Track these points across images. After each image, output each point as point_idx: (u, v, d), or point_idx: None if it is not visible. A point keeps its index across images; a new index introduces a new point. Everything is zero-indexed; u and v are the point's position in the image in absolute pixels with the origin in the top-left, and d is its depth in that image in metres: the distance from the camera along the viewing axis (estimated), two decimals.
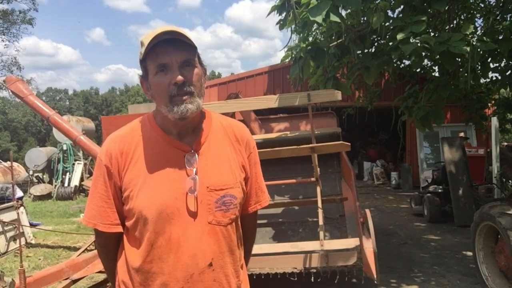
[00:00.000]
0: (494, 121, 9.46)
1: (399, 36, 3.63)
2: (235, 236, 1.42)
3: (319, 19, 3.51)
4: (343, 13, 4.39)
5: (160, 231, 1.31)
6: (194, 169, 1.35)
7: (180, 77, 1.28)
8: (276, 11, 4.52)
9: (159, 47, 1.29)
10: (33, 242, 7.02)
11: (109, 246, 1.46)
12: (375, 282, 3.44)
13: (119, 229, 1.39)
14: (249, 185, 1.50)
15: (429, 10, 4.47)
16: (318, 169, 4.04)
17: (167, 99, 1.31)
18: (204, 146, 1.40)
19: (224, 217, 1.36)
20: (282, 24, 4.72)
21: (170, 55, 1.30)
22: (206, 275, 1.33)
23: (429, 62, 7.21)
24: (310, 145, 3.68)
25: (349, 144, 3.63)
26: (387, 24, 4.47)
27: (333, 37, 4.91)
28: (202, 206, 1.34)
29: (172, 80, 1.29)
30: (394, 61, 5.71)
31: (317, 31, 6.10)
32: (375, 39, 5.34)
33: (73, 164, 14.41)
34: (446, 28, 5.28)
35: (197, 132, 1.41)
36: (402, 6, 4.72)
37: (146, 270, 1.33)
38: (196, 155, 1.37)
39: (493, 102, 8.32)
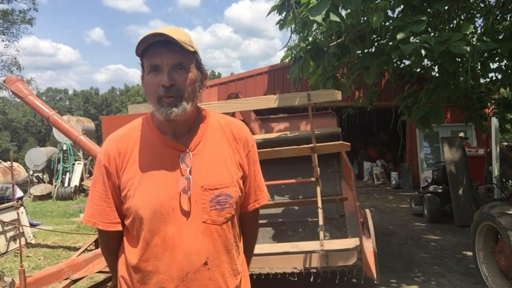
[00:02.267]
0: (494, 121, 9.46)
1: (399, 36, 3.63)
2: (231, 235, 1.42)
3: (319, 18, 3.51)
4: (343, 12, 4.39)
5: (155, 230, 1.33)
6: (188, 169, 1.36)
7: (166, 81, 1.30)
8: (276, 11, 4.52)
9: (154, 47, 1.31)
10: (33, 242, 7.02)
11: (111, 244, 1.48)
12: (375, 282, 3.44)
13: (119, 227, 1.42)
14: (248, 184, 1.51)
15: (429, 10, 4.47)
16: (318, 169, 4.04)
17: (155, 99, 1.34)
18: (200, 146, 1.41)
19: (219, 216, 1.37)
20: (282, 24, 4.72)
21: (162, 56, 1.31)
22: (202, 274, 1.34)
23: (429, 62, 7.20)
24: (310, 145, 3.68)
25: (349, 144, 3.63)
26: (387, 24, 4.47)
27: (333, 37, 4.90)
28: (197, 206, 1.35)
29: (161, 82, 1.31)
30: (394, 61, 5.71)
31: (317, 30, 6.10)
32: (375, 39, 5.34)
33: (73, 164, 14.41)
34: (446, 28, 5.28)
35: (193, 131, 1.43)
36: (402, 6, 4.72)
37: (143, 269, 1.35)
38: (191, 155, 1.38)
39: (493, 102, 8.31)
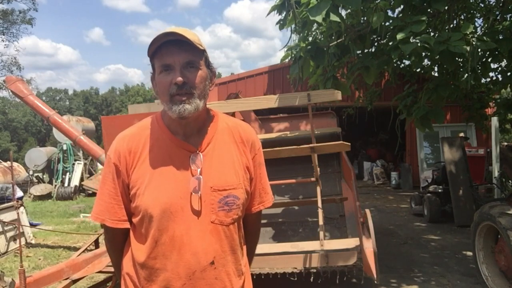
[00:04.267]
0: (494, 121, 9.45)
1: (399, 36, 3.63)
2: (237, 235, 1.44)
3: (319, 18, 3.51)
4: (343, 12, 4.39)
5: (164, 228, 1.35)
6: (199, 169, 1.38)
7: (179, 78, 1.32)
8: (276, 11, 4.52)
9: (165, 47, 1.33)
10: (33, 242, 7.02)
11: (116, 242, 1.50)
12: (375, 282, 3.44)
13: (126, 225, 1.44)
14: (253, 186, 1.52)
15: (429, 9, 4.47)
16: (318, 169, 4.04)
17: (167, 97, 1.35)
18: (209, 147, 1.43)
19: (227, 217, 1.39)
20: (282, 24, 4.71)
21: (173, 56, 1.33)
22: (208, 273, 1.36)
23: (429, 62, 7.20)
24: (310, 145, 3.68)
25: (349, 144, 3.63)
26: (387, 24, 4.47)
27: (333, 37, 4.90)
28: (206, 206, 1.37)
29: (173, 80, 1.32)
30: (394, 61, 5.70)
31: (317, 30, 6.10)
32: (375, 39, 5.34)
33: (73, 164, 14.43)
34: (446, 28, 5.28)
35: (202, 132, 1.44)
36: (402, 6, 4.72)
37: (150, 266, 1.37)
38: (201, 156, 1.40)
39: (493, 102, 8.32)
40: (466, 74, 4.85)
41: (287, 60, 5.38)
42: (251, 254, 1.64)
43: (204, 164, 1.39)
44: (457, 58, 4.17)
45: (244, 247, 1.53)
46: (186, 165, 1.38)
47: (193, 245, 1.35)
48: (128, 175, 1.40)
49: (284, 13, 4.51)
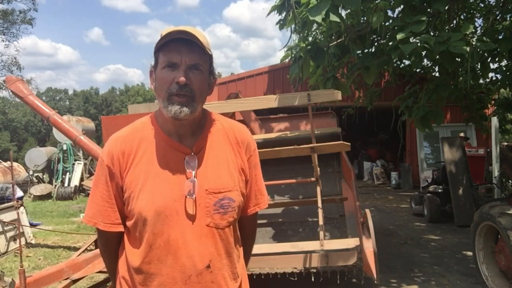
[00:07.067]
0: (494, 121, 9.46)
1: (399, 36, 3.63)
2: (232, 238, 1.42)
3: (318, 18, 3.51)
4: (343, 12, 4.39)
5: (159, 232, 1.32)
6: (194, 172, 1.35)
7: (182, 78, 1.29)
8: (275, 11, 4.52)
9: (174, 43, 1.31)
10: (33, 242, 7.02)
11: (110, 245, 1.47)
12: (375, 282, 3.45)
13: (120, 228, 1.40)
14: (248, 188, 1.50)
15: (429, 10, 4.47)
16: (318, 169, 4.04)
17: (165, 95, 1.32)
18: (204, 149, 1.41)
19: (222, 220, 1.37)
20: (282, 24, 4.72)
21: (181, 54, 1.31)
22: (204, 277, 1.34)
23: (429, 62, 7.21)
24: (310, 145, 3.68)
25: (349, 144, 3.63)
26: (387, 24, 4.47)
27: (333, 37, 4.91)
28: (201, 209, 1.34)
29: (176, 79, 1.30)
30: (394, 61, 5.71)
31: (317, 30, 6.10)
32: (375, 39, 5.34)
33: (73, 164, 14.42)
34: (446, 28, 5.28)
35: (197, 134, 1.42)
36: (402, 6, 4.72)
37: (145, 271, 1.34)
38: (196, 158, 1.38)
39: (493, 102, 8.33)
40: (466, 74, 4.85)
41: (287, 60, 5.38)
42: (247, 256, 1.63)
43: (199, 167, 1.37)
44: (457, 58, 4.17)
45: (240, 250, 1.51)
46: (181, 167, 1.36)
47: (189, 248, 1.32)
48: (122, 178, 1.36)
49: (284, 13, 4.51)
